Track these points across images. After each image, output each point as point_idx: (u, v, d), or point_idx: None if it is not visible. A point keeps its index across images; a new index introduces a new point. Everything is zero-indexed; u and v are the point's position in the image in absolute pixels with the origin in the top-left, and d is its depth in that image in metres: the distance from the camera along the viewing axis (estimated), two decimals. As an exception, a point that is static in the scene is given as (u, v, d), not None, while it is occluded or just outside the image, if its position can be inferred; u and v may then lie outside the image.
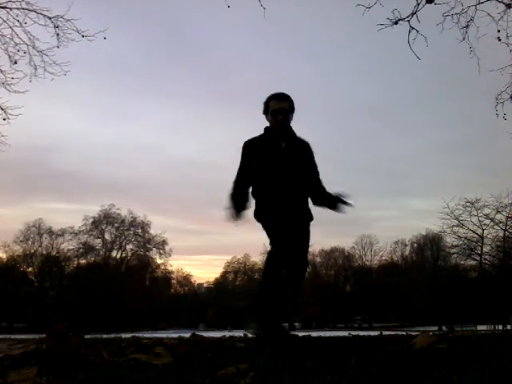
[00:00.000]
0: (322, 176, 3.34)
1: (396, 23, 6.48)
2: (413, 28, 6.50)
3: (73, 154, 69.14)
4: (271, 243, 3.08)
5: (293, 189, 3.13)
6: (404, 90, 74.91)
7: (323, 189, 3.32)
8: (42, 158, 68.36)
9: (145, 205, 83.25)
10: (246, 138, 3.24)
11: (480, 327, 31.89)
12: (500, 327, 28.82)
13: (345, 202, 3.24)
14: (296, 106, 3.31)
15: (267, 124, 3.28)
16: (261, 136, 3.27)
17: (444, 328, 35.18)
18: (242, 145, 3.24)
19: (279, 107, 3.18)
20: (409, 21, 6.51)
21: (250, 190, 3.19)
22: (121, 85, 76.52)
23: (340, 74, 75.23)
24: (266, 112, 3.26)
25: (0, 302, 44.27)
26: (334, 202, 3.26)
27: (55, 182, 66.59)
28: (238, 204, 3.12)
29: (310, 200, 3.29)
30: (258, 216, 3.16)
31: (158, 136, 76.06)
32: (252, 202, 3.17)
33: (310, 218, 3.27)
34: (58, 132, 71.54)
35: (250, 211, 3.16)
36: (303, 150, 3.29)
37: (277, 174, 3.12)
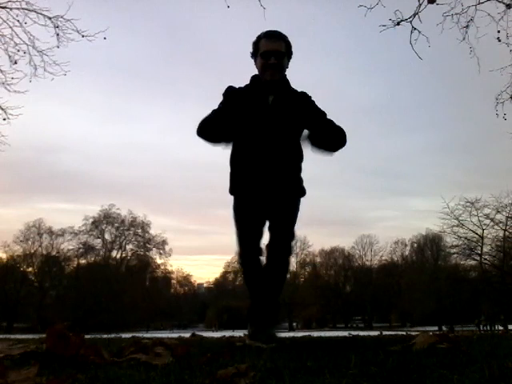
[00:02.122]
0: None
1: (398, 24, 6.49)
2: (415, 29, 6.51)
3: (73, 154, 69.19)
4: (235, 224, 2.55)
5: (278, 155, 2.51)
6: (404, 89, 74.93)
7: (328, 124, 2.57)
8: (43, 158, 68.41)
9: (145, 205, 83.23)
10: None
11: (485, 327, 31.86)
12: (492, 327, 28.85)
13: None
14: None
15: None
16: (245, 87, 2.62)
17: (444, 328, 35.17)
18: (224, 89, 2.61)
19: (272, 48, 2.51)
20: (411, 21, 6.52)
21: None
22: (122, 85, 76.50)
23: (340, 74, 75.26)
24: (254, 55, 2.59)
25: (0, 302, 44.25)
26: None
27: (55, 181, 66.68)
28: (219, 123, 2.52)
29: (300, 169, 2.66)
30: (231, 188, 2.62)
31: (159, 136, 76.10)
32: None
33: (301, 191, 2.64)
34: (59, 132, 71.64)
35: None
36: (299, 105, 2.57)
37: (259, 135, 2.51)
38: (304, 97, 2.62)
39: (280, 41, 2.56)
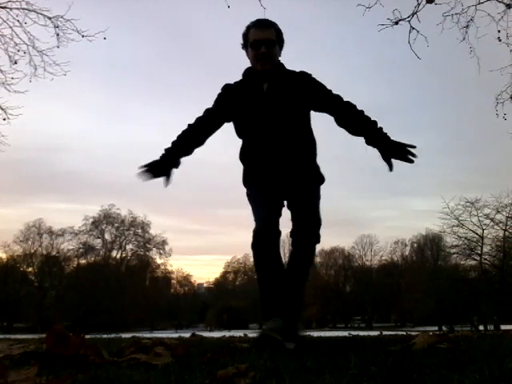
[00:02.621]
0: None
1: (396, 23, 6.51)
2: (413, 28, 6.52)
3: (73, 154, 69.08)
4: (253, 215, 2.46)
5: (285, 141, 2.43)
6: (404, 89, 74.90)
7: (348, 106, 2.45)
8: (43, 158, 68.31)
9: (145, 205, 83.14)
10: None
11: (480, 327, 31.87)
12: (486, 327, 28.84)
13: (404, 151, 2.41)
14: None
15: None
16: (240, 81, 2.57)
17: (444, 328, 35.16)
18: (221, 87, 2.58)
19: (262, 37, 2.42)
20: (409, 21, 6.53)
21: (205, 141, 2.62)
22: (122, 85, 76.42)
23: (340, 74, 75.17)
24: (245, 45, 2.51)
25: (0, 302, 44.24)
26: (382, 139, 2.51)
27: (55, 181, 66.58)
28: (177, 150, 2.57)
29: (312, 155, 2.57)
30: (243, 179, 2.59)
31: (159, 136, 76.04)
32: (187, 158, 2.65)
33: (319, 179, 2.55)
34: (59, 132, 71.51)
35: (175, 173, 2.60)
36: (298, 85, 2.45)
37: (260, 125, 2.44)
38: (303, 76, 2.49)
39: (270, 29, 2.46)
